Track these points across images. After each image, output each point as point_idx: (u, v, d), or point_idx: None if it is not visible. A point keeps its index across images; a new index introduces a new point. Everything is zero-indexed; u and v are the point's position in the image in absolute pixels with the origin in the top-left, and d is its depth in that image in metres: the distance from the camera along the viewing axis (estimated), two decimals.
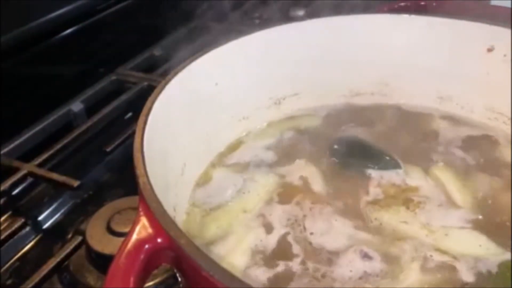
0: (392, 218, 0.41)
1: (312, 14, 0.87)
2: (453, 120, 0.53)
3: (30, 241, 0.54)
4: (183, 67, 0.44)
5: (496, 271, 0.37)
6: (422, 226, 0.40)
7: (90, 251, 0.47)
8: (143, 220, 0.30)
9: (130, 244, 0.29)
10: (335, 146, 0.48)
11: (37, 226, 0.55)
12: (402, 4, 0.66)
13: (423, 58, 0.53)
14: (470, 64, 0.51)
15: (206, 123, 0.47)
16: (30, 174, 0.56)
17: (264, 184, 0.45)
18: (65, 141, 0.61)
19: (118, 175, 0.62)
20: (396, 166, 0.46)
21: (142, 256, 0.29)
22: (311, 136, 0.51)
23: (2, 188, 0.54)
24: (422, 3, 0.67)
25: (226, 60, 0.48)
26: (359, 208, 0.42)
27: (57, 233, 0.54)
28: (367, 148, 0.48)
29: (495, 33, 0.49)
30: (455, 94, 0.53)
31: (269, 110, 0.53)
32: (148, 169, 0.33)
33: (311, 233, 0.40)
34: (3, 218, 0.55)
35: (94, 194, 0.59)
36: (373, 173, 0.46)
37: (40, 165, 0.57)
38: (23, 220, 0.52)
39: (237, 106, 0.51)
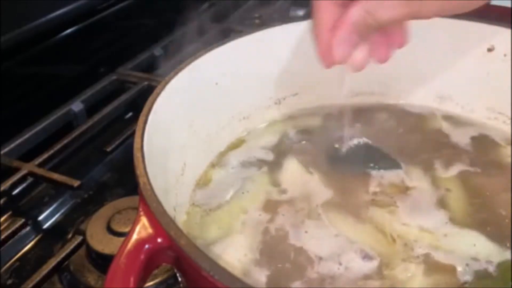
0: (392, 218, 0.41)
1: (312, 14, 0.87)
2: (453, 120, 0.53)
3: (30, 241, 0.54)
4: (183, 67, 0.44)
5: (495, 271, 0.37)
6: (421, 226, 0.40)
7: (90, 251, 0.47)
8: (143, 220, 0.30)
9: (130, 244, 0.29)
10: (335, 146, 0.48)
11: (37, 226, 0.55)
12: None
13: (423, 58, 0.53)
14: (470, 64, 0.51)
15: (206, 123, 0.47)
16: (30, 174, 0.56)
17: (264, 184, 0.45)
18: (65, 141, 0.61)
19: (118, 175, 0.62)
20: (396, 166, 0.46)
21: (142, 256, 0.29)
22: (311, 136, 0.51)
23: (2, 188, 0.53)
24: None
25: (226, 60, 0.48)
26: (359, 208, 0.42)
27: (57, 233, 0.54)
28: (367, 148, 0.48)
29: (495, 33, 0.49)
30: (455, 94, 0.53)
31: (269, 110, 0.53)
32: (148, 169, 0.33)
33: (311, 233, 0.40)
34: (3, 218, 0.55)
35: (94, 194, 0.59)
36: (373, 173, 0.46)
37: (40, 165, 0.57)
38: (23, 220, 0.52)
39: (237, 106, 0.51)
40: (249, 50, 0.49)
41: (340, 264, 0.38)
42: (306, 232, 0.40)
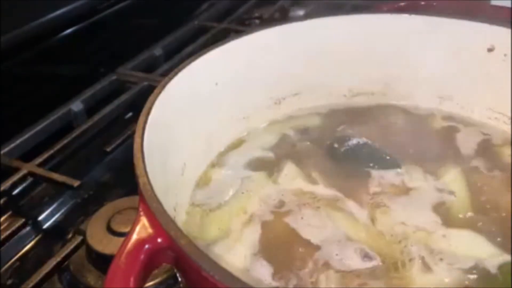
0: (391, 218, 0.41)
1: (312, 14, 0.87)
2: (453, 120, 0.53)
3: (30, 241, 0.54)
4: (183, 67, 0.44)
5: (496, 273, 0.37)
6: (421, 227, 0.40)
7: (90, 251, 0.47)
8: (143, 220, 0.30)
9: (130, 244, 0.29)
10: (335, 146, 0.48)
11: (37, 226, 0.55)
12: (402, 4, 0.66)
13: (423, 58, 0.53)
14: (470, 64, 0.51)
15: (206, 123, 0.47)
16: (30, 174, 0.56)
17: (263, 184, 0.45)
18: (65, 141, 0.61)
19: (118, 175, 0.62)
20: (396, 166, 0.46)
21: (142, 256, 0.29)
22: (311, 136, 0.51)
23: (2, 188, 0.53)
24: (422, 3, 0.67)
25: (226, 60, 0.48)
26: (359, 208, 0.42)
27: (57, 233, 0.54)
28: (367, 147, 0.48)
29: (495, 33, 0.49)
30: (455, 94, 0.53)
31: (269, 110, 0.53)
32: (148, 169, 0.33)
33: (311, 233, 0.40)
34: (3, 218, 0.55)
35: (94, 194, 0.59)
36: (373, 173, 0.46)
37: (40, 165, 0.57)
38: (23, 220, 0.52)
39: (237, 106, 0.51)
40: (249, 50, 0.49)
41: (339, 263, 0.38)
42: (305, 231, 0.40)
